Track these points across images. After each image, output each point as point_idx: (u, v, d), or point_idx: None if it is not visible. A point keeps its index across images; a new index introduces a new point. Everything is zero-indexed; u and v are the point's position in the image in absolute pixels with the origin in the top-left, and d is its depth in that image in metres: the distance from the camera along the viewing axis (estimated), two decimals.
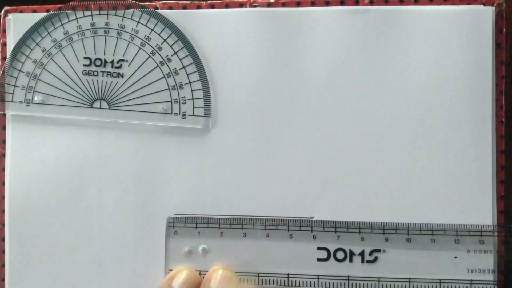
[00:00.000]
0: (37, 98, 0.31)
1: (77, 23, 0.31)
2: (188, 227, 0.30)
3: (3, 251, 0.32)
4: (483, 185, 0.29)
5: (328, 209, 0.30)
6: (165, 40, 0.31)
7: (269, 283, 0.29)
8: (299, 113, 0.30)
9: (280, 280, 0.29)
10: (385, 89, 0.30)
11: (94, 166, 0.31)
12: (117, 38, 0.31)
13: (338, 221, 0.29)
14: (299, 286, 0.29)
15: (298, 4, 0.30)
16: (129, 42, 0.31)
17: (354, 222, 0.29)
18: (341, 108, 0.30)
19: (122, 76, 0.31)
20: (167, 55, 0.31)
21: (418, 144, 0.30)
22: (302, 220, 0.30)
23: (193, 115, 0.31)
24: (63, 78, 0.31)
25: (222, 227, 0.30)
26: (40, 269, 0.31)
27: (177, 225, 0.30)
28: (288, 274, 0.29)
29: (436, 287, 0.29)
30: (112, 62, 0.31)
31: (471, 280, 0.29)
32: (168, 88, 0.31)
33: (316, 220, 0.29)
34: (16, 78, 0.31)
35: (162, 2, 0.31)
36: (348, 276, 0.29)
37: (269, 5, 0.31)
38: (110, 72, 0.31)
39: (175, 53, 0.31)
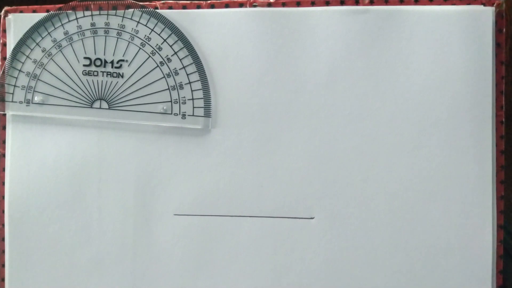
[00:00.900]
0: (37, 98, 0.31)
1: (77, 23, 0.31)
2: None
3: (3, 251, 0.32)
4: (483, 185, 0.29)
5: (328, 209, 0.30)
6: (165, 40, 0.31)
7: None
8: (299, 113, 0.30)
9: None
10: (385, 89, 0.30)
11: (94, 166, 0.31)
12: (117, 38, 0.31)
13: None
14: None
15: (298, 4, 0.30)
16: (129, 42, 0.31)
17: None
18: (341, 108, 0.30)
19: (122, 76, 0.31)
20: (167, 55, 0.31)
21: (418, 144, 0.30)
22: None
23: (193, 115, 0.31)
24: (63, 78, 0.31)
25: None
26: (40, 269, 0.31)
27: None
28: None
29: None
30: (112, 62, 0.31)
31: None
32: (168, 88, 0.31)
33: None
34: (16, 78, 0.31)
35: (162, 2, 0.31)
36: None
37: (269, 5, 0.31)
38: (110, 72, 0.31)
39: (175, 53, 0.31)
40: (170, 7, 0.31)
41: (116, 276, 0.31)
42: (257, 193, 0.30)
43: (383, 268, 0.30)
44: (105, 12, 0.31)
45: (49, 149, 0.32)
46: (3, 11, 0.32)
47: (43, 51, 0.31)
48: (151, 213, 0.31)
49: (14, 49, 0.31)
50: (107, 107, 0.31)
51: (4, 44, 0.32)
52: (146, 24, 0.31)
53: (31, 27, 0.31)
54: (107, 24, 0.31)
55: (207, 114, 0.31)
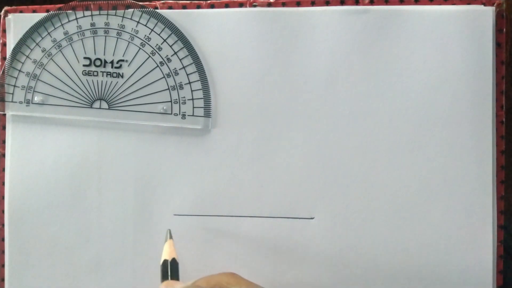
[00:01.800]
0: (37, 98, 0.31)
1: (77, 23, 0.31)
2: None
3: (3, 251, 0.32)
4: (483, 185, 0.29)
5: (328, 209, 0.30)
6: (165, 40, 0.31)
7: None
8: (299, 113, 0.30)
9: None
10: (385, 88, 0.30)
11: (94, 166, 0.31)
12: (117, 38, 0.31)
13: None
14: None
15: (298, 4, 0.30)
16: (129, 42, 0.31)
17: None
18: (341, 108, 0.30)
19: (122, 76, 0.31)
20: (167, 55, 0.31)
21: (418, 144, 0.30)
22: None
23: (193, 115, 0.31)
24: (63, 78, 0.31)
25: None
26: (40, 269, 0.31)
27: None
28: None
29: None
30: (112, 62, 0.31)
31: None
32: (168, 88, 0.31)
33: None
34: (16, 78, 0.31)
35: (162, 2, 0.31)
36: None
37: (269, 5, 0.31)
38: (110, 72, 0.31)
39: (175, 53, 0.31)
40: (170, 7, 0.31)
41: (116, 276, 0.31)
42: (257, 193, 0.30)
43: (383, 268, 0.30)
44: (105, 12, 0.31)
45: (49, 149, 0.31)
46: (3, 11, 0.32)
47: (43, 51, 0.31)
48: (151, 213, 0.31)
49: (14, 49, 0.31)
50: (107, 107, 0.31)
51: (4, 44, 0.32)
52: (146, 24, 0.31)
53: (31, 27, 0.31)
54: (107, 24, 0.31)
55: (207, 114, 0.31)
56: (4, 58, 0.32)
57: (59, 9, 0.31)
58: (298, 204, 0.30)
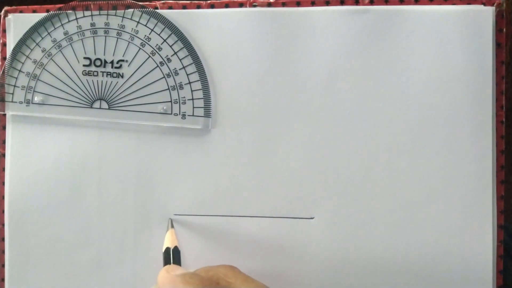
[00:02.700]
0: (37, 98, 0.31)
1: (77, 23, 0.31)
2: None
3: (3, 251, 0.32)
4: (483, 185, 0.29)
5: (328, 209, 0.30)
6: (165, 40, 0.31)
7: None
8: (299, 113, 0.30)
9: None
10: (385, 89, 0.30)
11: (94, 166, 0.31)
12: (117, 38, 0.31)
13: None
14: None
15: (298, 4, 0.30)
16: (129, 42, 0.31)
17: None
18: (341, 108, 0.30)
19: (122, 76, 0.31)
20: (167, 55, 0.31)
21: (418, 145, 0.30)
22: None
23: (193, 115, 0.31)
24: (63, 78, 0.31)
25: None
26: (40, 269, 0.31)
27: None
28: None
29: None
30: (112, 62, 0.31)
31: None
32: (168, 89, 0.31)
33: None
34: (16, 78, 0.31)
35: (162, 2, 0.31)
36: None
37: (269, 5, 0.31)
38: (110, 72, 0.31)
39: (175, 53, 0.31)
40: (170, 7, 0.31)
41: (116, 276, 0.31)
42: (257, 193, 0.30)
43: (383, 268, 0.30)
44: (105, 12, 0.31)
45: (49, 149, 0.31)
46: (3, 11, 0.32)
47: (43, 51, 0.31)
48: (151, 213, 0.31)
49: (14, 49, 0.31)
50: (107, 107, 0.31)
51: (4, 44, 0.32)
52: (146, 24, 0.31)
53: (31, 27, 0.31)
54: (107, 24, 0.31)
55: (207, 114, 0.31)
56: (4, 58, 0.32)
57: (59, 9, 0.31)
58: (298, 204, 0.30)
